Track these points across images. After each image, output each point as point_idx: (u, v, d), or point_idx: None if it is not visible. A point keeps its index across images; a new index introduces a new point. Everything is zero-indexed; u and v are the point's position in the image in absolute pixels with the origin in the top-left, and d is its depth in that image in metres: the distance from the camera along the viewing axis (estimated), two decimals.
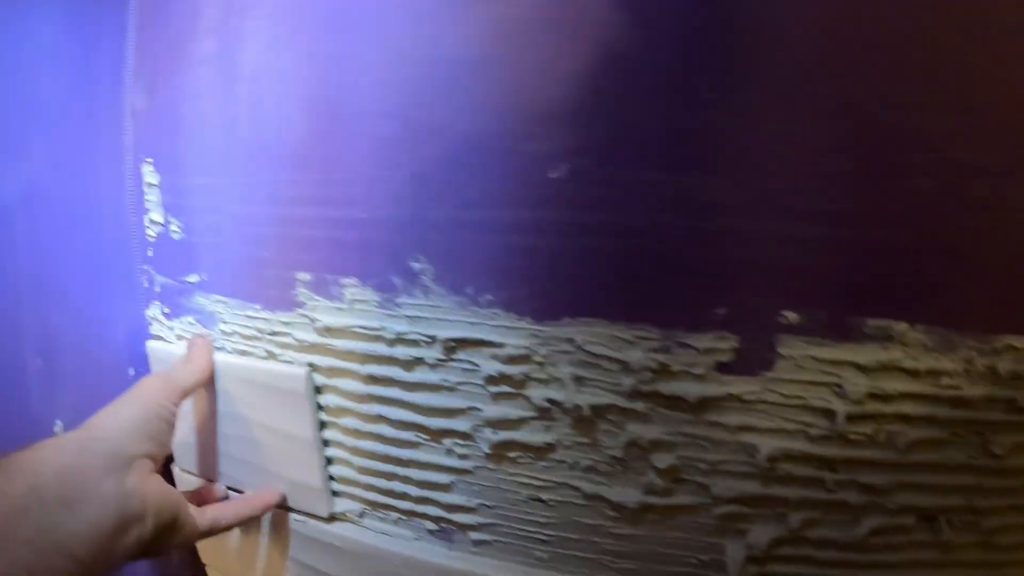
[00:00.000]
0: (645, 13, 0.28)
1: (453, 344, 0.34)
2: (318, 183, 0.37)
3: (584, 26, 0.29)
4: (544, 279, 0.32)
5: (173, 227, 0.46)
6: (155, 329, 0.50)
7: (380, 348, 0.36)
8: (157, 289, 0.48)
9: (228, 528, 0.39)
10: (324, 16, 0.36)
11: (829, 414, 0.29)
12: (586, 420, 0.33)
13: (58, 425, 0.46)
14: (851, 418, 0.29)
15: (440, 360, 0.35)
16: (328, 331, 0.38)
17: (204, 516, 0.37)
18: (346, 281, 0.37)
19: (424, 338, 0.35)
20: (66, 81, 0.47)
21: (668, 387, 0.31)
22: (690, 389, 0.31)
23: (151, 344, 0.49)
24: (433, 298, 0.34)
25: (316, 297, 0.38)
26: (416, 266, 0.34)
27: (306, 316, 0.39)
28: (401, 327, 0.35)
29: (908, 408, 0.29)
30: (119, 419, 0.35)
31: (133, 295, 0.50)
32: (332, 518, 0.41)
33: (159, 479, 0.34)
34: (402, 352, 0.36)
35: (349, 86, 0.36)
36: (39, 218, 0.46)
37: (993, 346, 0.28)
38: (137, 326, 0.50)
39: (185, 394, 0.38)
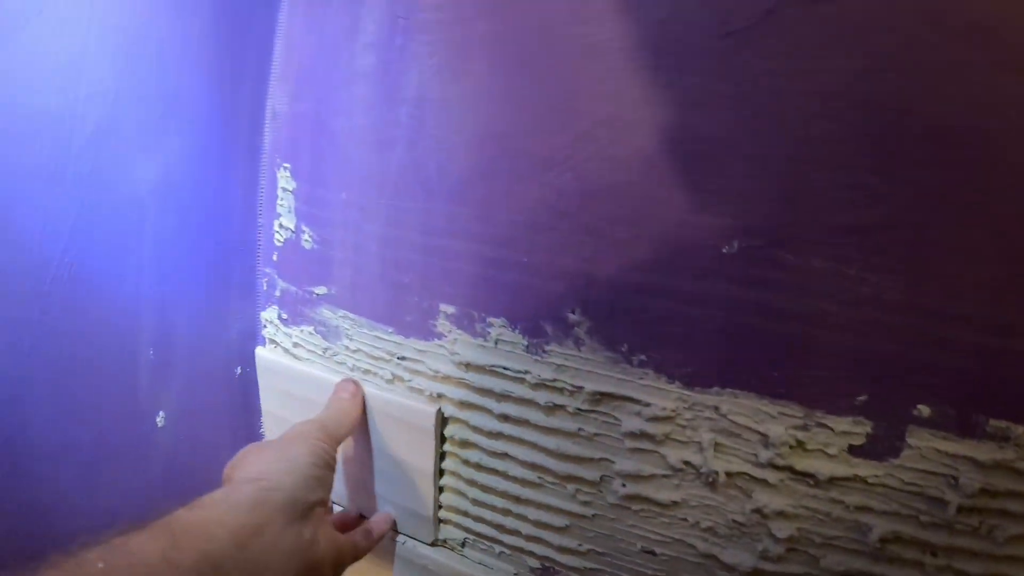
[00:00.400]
0: (837, 113, 0.31)
1: (598, 397, 0.37)
2: (477, 219, 0.40)
3: (776, 112, 0.32)
4: (700, 348, 0.35)
5: (305, 236, 0.48)
6: (269, 332, 0.52)
7: (521, 390, 0.39)
8: (277, 294, 0.51)
9: (365, 554, 0.40)
10: (501, 51, 0.39)
11: (942, 503, 0.32)
12: (717, 484, 0.36)
13: (160, 416, 0.48)
14: (961, 509, 0.32)
15: (581, 410, 0.38)
16: (467, 366, 0.41)
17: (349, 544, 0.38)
18: (494, 320, 0.39)
19: (569, 387, 0.38)
20: (210, 75, 0.48)
21: (801, 463, 0.34)
22: (821, 467, 0.34)
23: (261, 352, 0.51)
24: (584, 350, 0.37)
25: (458, 331, 0.41)
26: (572, 317, 0.37)
27: (444, 348, 0.42)
28: (547, 373, 0.38)
29: (1012, 506, 0.31)
30: (292, 467, 0.35)
31: (250, 296, 0.53)
32: (435, 543, 0.43)
33: (330, 525, 0.35)
34: (543, 397, 0.39)
35: (522, 127, 0.38)
36: (168, 209, 0.47)
37: None
38: (249, 327, 0.53)
39: (339, 442, 0.39)
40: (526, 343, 0.39)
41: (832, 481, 0.33)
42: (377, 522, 0.43)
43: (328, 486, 0.36)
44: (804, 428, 0.34)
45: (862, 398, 0.32)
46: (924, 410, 0.32)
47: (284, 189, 0.49)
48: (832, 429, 0.33)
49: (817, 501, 0.34)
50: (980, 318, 0.30)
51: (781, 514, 0.35)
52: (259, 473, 0.34)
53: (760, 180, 0.32)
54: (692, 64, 0.33)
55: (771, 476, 0.35)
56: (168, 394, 0.49)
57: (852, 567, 0.34)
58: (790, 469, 0.34)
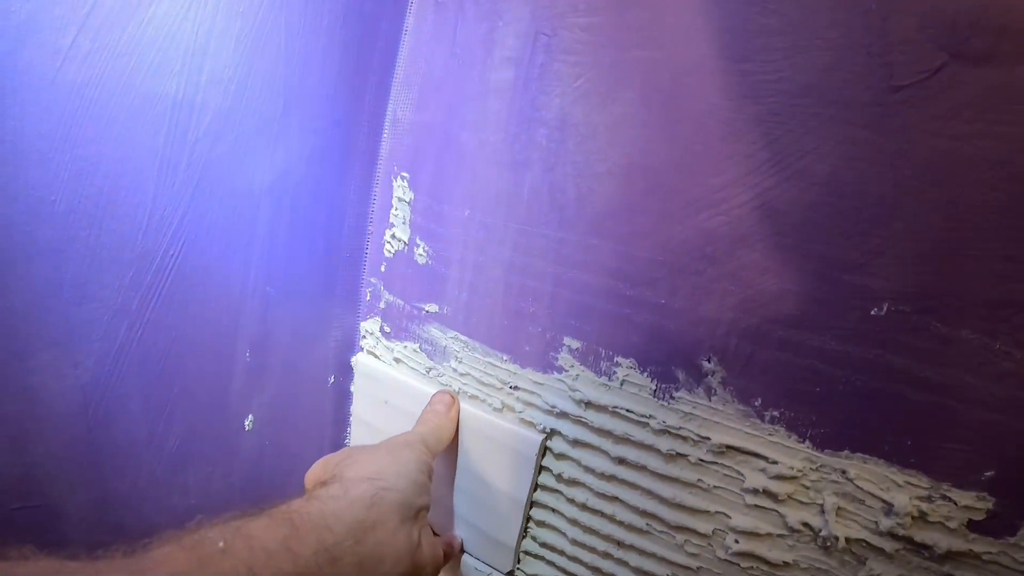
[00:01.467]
0: (999, 182, 0.34)
1: (724, 449, 0.41)
2: (616, 254, 0.44)
3: (938, 174, 0.34)
4: (835, 409, 0.39)
5: (420, 250, 0.52)
6: (368, 344, 0.56)
7: (642, 434, 0.43)
8: (381, 305, 0.55)
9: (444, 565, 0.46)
10: (655, 81, 0.42)
11: None
12: (833, 548, 0.39)
13: (249, 420, 0.51)
14: None
15: (704, 461, 0.41)
16: (587, 404, 0.44)
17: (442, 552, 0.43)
18: (622, 360, 0.43)
19: (695, 436, 0.42)
20: (333, 73, 0.52)
21: (920, 534, 0.38)
22: (940, 540, 0.37)
23: (361, 358, 0.54)
24: (715, 400, 0.41)
25: (581, 367, 0.45)
26: (706, 366, 0.41)
27: (564, 382, 0.45)
28: (672, 420, 0.42)
29: None
30: (404, 470, 0.39)
31: (352, 305, 0.56)
32: (510, 574, 0.46)
33: (430, 531, 0.38)
34: (666, 444, 0.42)
35: (673, 164, 0.42)
36: (281, 208, 0.51)
37: None
38: (348, 336, 0.57)
39: (436, 456, 0.44)
40: (654, 387, 0.43)
41: (948, 555, 0.37)
42: (455, 539, 0.48)
43: (430, 494, 0.41)
44: (928, 499, 0.37)
45: (989, 474, 0.36)
46: None
47: (400, 199, 0.53)
48: (956, 503, 0.37)
49: (929, 574, 0.38)
50: None
51: None
52: (375, 473, 0.37)
53: (917, 243, 0.35)
54: (857, 116, 0.36)
55: (888, 545, 0.39)
56: (259, 398, 0.52)
57: None
58: (909, 540, 0.38)
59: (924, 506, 0.37)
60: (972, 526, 0.36)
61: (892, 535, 0.38)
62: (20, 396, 0.40)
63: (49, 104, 0.37)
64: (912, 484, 0.37)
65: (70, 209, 0.39)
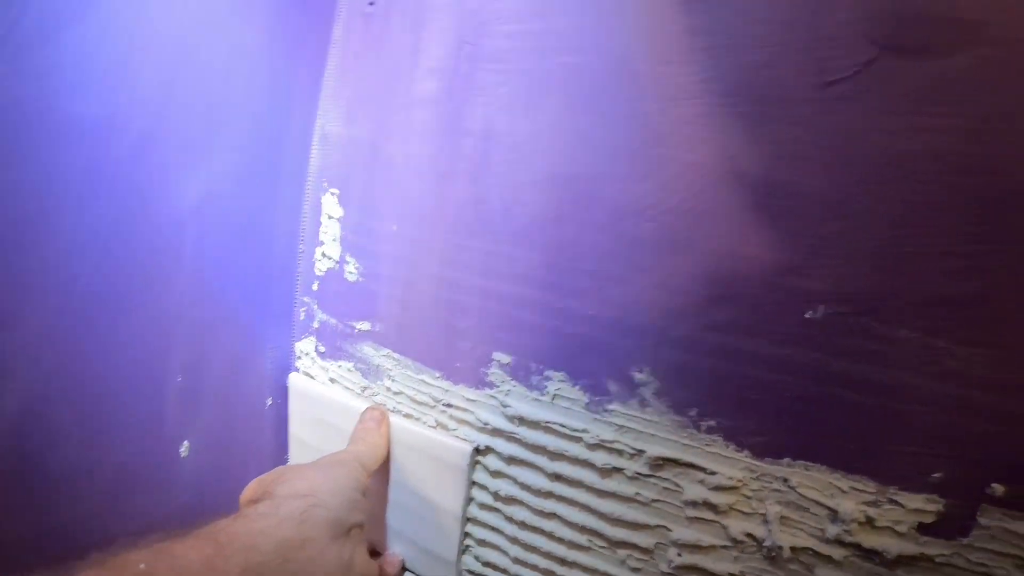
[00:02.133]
0: (937, 176, 0.33)
1: (660, 462, 0.39)
2: (544, 266, 0.43)
3: (874, 171, 0.34)
4: (774, 416, 0.38)
5: (350, 267, 0.50)
6: (303, 364, 0.54)
7: (576, 449, 0.41)
8: (315, 325, 0.53)
9: None
10: (578, 87, 0.41)
11: None
12: (778, 559, 0.38)
13: (185, 447, 0.49)
14: None
15: (641, 474, 0.40)
16: (520, 420, 0.43)
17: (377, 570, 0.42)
18: (553, 374, 0.42)
19: (630, 449, 0.40)
20: (259, 90, 0.50)
21: (869, 540, 0.36)
22: (889, 545, 0.36)
23: (296, 378, 0.53)
24: (650, 412, 0.39)
25: (512, 381, 0.43)
26: (638, 376, 0.39)
27: (496, 398, 0.44)
28: (607, 434, 0.41)
29: None
30: (337, 487, 0.38)
31: (286, 325, 0.55)
32: None
33: (365, 548, 0.38)
34: (601, 458, 0.41)
35: (599, 171, 0.41)
36: (208, 230, 0.49)
37: None
38: (284, 358, 0.55)
39: (371, 474, 0.43)
40: (586, 400, 0.41)
41: (899, 559, 0.35)
42: (395, 559, 0.47)
43: (365, 512, 0.40)
44: (875, 504, 0.36)
45: (938, 475, 0.35)
46: (998, 489, 0.34)
47: (330, 216, 0.51)
48: (904, 506, 0.35)
49: None
50: None
51: None
52: (307, 490, 0.37)
53: (853, 243, 0.34)
54: (788, 114, 0.35)
55: (836, 553, 0.37)
56: (195, 423, 0.51)
57: None
58: (857, 546, 0.36)
59: (871, 511, 0.35)
60: (923, 529, 0.35)
61: (839, 542, 0.36)
62: None
63: None
64: (858, 489, 0.36)
65: None
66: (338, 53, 0.52)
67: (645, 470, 0.40)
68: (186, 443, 0.50)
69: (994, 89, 0.31)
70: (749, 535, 0.38)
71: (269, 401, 0.56)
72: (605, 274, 0.40)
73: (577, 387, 0.41)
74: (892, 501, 0.35)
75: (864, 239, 0.34)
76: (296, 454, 0.58)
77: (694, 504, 0.39)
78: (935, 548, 0.35)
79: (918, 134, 0.32)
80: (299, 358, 0.56)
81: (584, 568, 0.43)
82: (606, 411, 0.41)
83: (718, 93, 0.37)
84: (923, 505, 0.35)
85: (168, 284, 0.47)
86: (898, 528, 0.35)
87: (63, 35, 0.38)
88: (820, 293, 0.35)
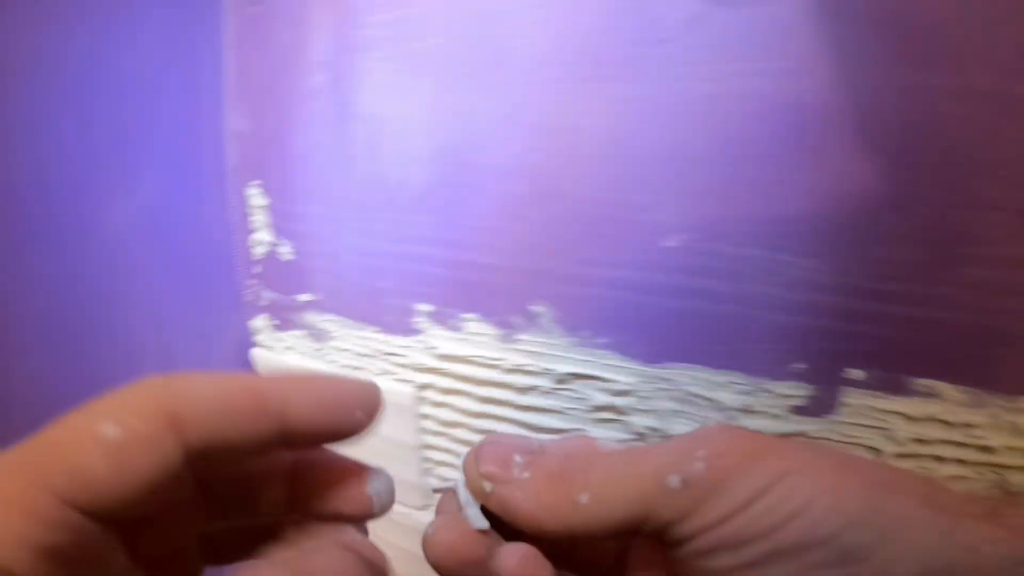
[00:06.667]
0: (763, 114, 0.37)
1: (566, 376, 0.45)
2: (441, 226, 0.45)
3: (709, 115, 0.38)
4: (651, 329, 0.41)
5: (283, 249, 0.55)
6: (262, 339, 0.60)
7: (496, 375, 0.47)
8: (264, 303, 0.58)
9: None
10: (447, 67, 0.44)
11: (878, 452, 0.39)
12: None
13: None
14: (896, 456, 0.39)
15: (553, 388, 0.46)
16: (446, 358, 0.49)
17: None
18: (467, 316, 0.47)
19: (540, 369, 0.46)
20: (169, 103, 0.53)
21: (750, 423, 0.40)
22: (769, 426, 0.40)
23: (258, 352, 0.60)
24: (551, 337, 0.44)
25: (436, 327, 0.49)
26: (536, 309, 0.44)
27: (424, 342, 0.50)
28: (519, 359, 0.46)
29: (942, 451, 0.38)
30: None
31: (238, 308, 0.59)
32: (425, 507, 0.54)
33: None
34: (518, 380, 0.46)
35: (476, 141, 0.44)
36: (152, 241, 0.53)
37: (1017, 406, 0.40)
38: (243, 337, 0.59)
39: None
40: (498, 334, 0.45)
41: (782, 437, 0.40)
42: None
43: None
44: (750, 394, 0.40)
45: (800, 366, 0.39)
46: (856, 373, 0.38)
47: (255, 206, 0.55)
48: (775, 393, 0.40)
49: None
50: (902, 294, 0.37)
51: None
52: None
53: (696, 180, 0.38)
54: (627, 72, 0.38)
55: None
56: None
57: None
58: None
59: (748, 399, 0.39)
60: (795, 411, 0.39)
61: None
62: None
63: None
64: (733, 383, 0.40)
65: None
66: (234, 54, 0.54)
67: (555, 385, 0.44)
68: None
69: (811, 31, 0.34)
70: (650, 427, 0.43)
71: None
72: (492, 227, 0.44)
73: (489, 324, 0.45)
74: (764, 390, 0.39)
75: (704, 175, 0.37)
76: None
77: (600, 408, 0.43)
78: (810, 425, 0.39)
79: (742, 78, 0.35)
80: (257, 334, 0.60)
81: None
82: (516, 340, 0.45)
83: (565, 61, 0.40)
84: (792, 391, 0.39)
85: (128, 297, 0.52)
86: (773, 411, 0.39)
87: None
88: (674, 225, 0.39)
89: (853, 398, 0.39)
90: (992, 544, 0.18)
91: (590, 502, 0.22)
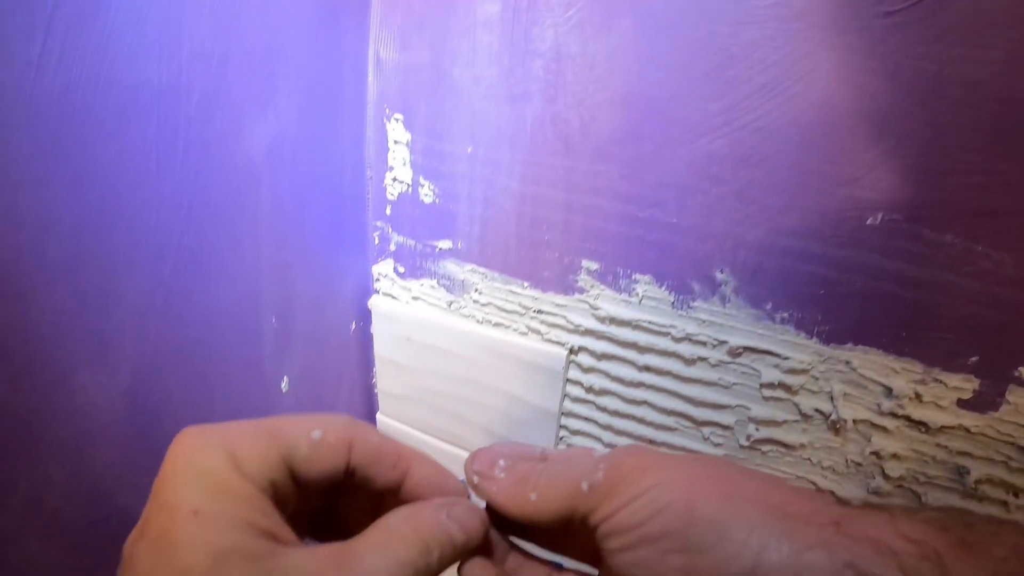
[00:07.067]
0: (978, 103, 0.41)
1: (740, 350, 0.53)
2: (624, 179, 0.55)
3: (924, 95, 0.42)
4: (838, 308, 0.52)
5: (425, 189, 0.63)
6: (382, 286, 0.68)
7: (664, 343, 0.55)
8: (392, 247, 0.67)
9: None
10: (649, 10, 0.48)
11: None
12: (841, 429, 0.52)
13: (285, 382, 0.62)
14: None
15: (723, 361, 0.54)
16: (610, 320, 0.56)
17: None
18: (640, 277, 0.55)
19: (713, 341, 0.54)
20: (310, 29, 0.57)
21: (917, 412, 0.51)
22: (934, 417, 0.50)
23: (377, 300, 0.69)
24: (730, 307, 0.53)
25: (601, 286, 0.57)
26: (719, 276, 0.53)
27: (586, 302, 0.57)
28: (691, 328, 0.55)
29: None
30: None
31: (362, 251, 0.69)
32: None
33: None
34: (686, 349, 0.55)
35: (673, 92, 0.50)
36: (281, 174, 0.57)
37: None
38: (362, 282, 0.70)
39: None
40: (672, 299, 0.55)
41: (941, 429, 0.48)
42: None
43: None
44: (922, 383, 0.50)
45: (974, 359, 0.46)
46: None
47: (396, 141, 0.64)
48: (946, 384, 0.47)
49: (926, 446, 0.50)
50: None
51: (895, 456, 0.52)
52: None
53: (906, 159, 0.44)
54: (849, 40, 0.43)
55: (889, 423, 0.52)
56: (290, 359, 0.63)
57: (948, 503, 0.52)
58: (907, 418, 0.51)
59: (919, 388, 0.49)
60: (961, 404, 0.47)
61: (893, 414, 0.50)
62: (68, 419, 0.44)
63: (31, 120, 0.38)
64: (908, 370, 0.49)
65: (77, 225, 0.42)
66: None
67: (726, 358, 0.55)
68: (286, 379, 0.62)
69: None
70: (817, 410, 0.53)
71: (353, 326, 0.69)
72: (683, 186, 0.52)
73: (663, 288, 0.55)
74: (936, 380, 0.48)
75: (914, 155, 0.43)
76: (383, 373, 0.72)
77: (770, 385, 0.54)
78: (971, 420, 0.47)
79: (963, 63, 0.40)
80: (378, 280, 0.69)
81: (671, 447, 0.58)
82: (690, 308, 0.55)
83: (784, 18, 0.44)
84: (961, 384, 0.47)
85: (251, 232, 0.56)
86: (941, 403, 0.48)
87: (108, 4, 0.40)
88: (877, 202, 0.45)
89: (1017, 396, 0.46)
90: (826, 548, 0.26)
91: (537, 499, 0.34)
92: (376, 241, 0.69)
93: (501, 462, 0.36)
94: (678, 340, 0.56)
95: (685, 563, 0.28)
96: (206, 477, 0.27)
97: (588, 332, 0.59)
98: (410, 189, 0.64)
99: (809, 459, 0.54)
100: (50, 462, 0.44)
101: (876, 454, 0.52)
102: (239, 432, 0.30)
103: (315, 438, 0.31)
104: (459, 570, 0.36)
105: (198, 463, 0.28)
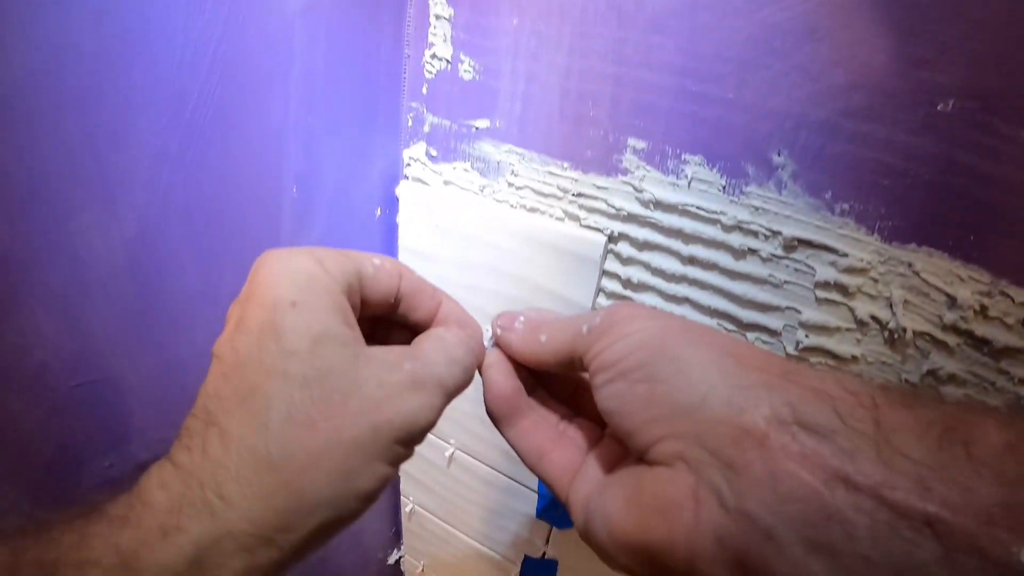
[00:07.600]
0: None
1: (795, 243, 0.58)
2: (680, 51, 0.59)
3: None
4: (903, 202, 0.55)
5: (465, 66, 0.69)
6: (412, 171, 0.74)
7: (713, 231, 0.60)
8: (426, 129, 0.73)
9: None
10: None
11: None
12: (899, 342, 0.56)
13: None
14: None
15: (776, 256, 0.59)
16: (655, 204, 0.61)
17: None
18: (690, 158, 0.60)
19: (766, 231, 0.58)
20: None
21: (981, 329, 0.54)
22: (998, 335, 0.53)
23: (406, 187, 0.75)
24: (786, 194, 0.58)
25: (647, 167, 0.62)
26: (777, 159, 0.58)
27: (630, 184, 0.62)
28: (743, 215, 0.59)
29: None
30: None
31: (393, 132, 0.74)
32: None
33: None
34: (737, 240, 0.60)
35: None
36: (317, 35, 0.62)
37: None
38: (391, 167, 0.75)
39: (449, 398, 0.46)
40: (724, 183, 0.60)
41: (1005, 350, 0.51)
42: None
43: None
44: (989, 295, 0.52)
45: None
46: None
47: (438, 16, 0.70)
48: (1013, 299, 0.50)
49: (987, 369, 0.53)
50: None
51: (952, 379, 0.55)
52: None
53: (983, 43, 0.46)
54: None
55: (951, 339, 0.54)
56: (310, 234, 0.68)
57: None
58: (970, 334, 0.53)
59: (985, 301, 0.51)
60: None
61: (955, 329, 0.53)
62: (65, 263, 0.48)
63: None
64: (974, 279, 0.51)
65: (96, 52, 0.45)
66: None
67: (780, 251, 0.59)
68: None
69: None
70: (874, 318, 0.57)
71: (378, 212, 0.74)
72: (743, 59, 0.55)
73: (714, 170, 0.60)
74: (1003, 293, 0.50)
75: (992, 40, 0.45)
76: (407, 264, 0.75)
77: (825, 285, 0.58)
78: None
79: None
80: (408, 165, 0.75)
81: None
82: (743, 193, 0.59)
83: None
84: None
85: (279, 91, 0.60)
86: (1007, 320, 0.50)
87: None
88: (950, 87, 0.47)
89: None
90: (768, 388, 0.33)
91: (546, 341, 0.45)
92: (409, 123, 0.74)
93: (520, 318, 0.48)
94: (728, 229, 0.60)
95: (647, 391, 0.37)
96: (300, 274, 0.37)
97: (630, 217, 0.64)
98: (449, 67, 0.69)
99: (861, 375, 0.57)
100: (40, 311, 0.50)
101: (933, 374, 0.55)
102: (319, 248, 0.40)
103: (376, 263, 0.43)
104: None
105: (291, 265, 0.38)
